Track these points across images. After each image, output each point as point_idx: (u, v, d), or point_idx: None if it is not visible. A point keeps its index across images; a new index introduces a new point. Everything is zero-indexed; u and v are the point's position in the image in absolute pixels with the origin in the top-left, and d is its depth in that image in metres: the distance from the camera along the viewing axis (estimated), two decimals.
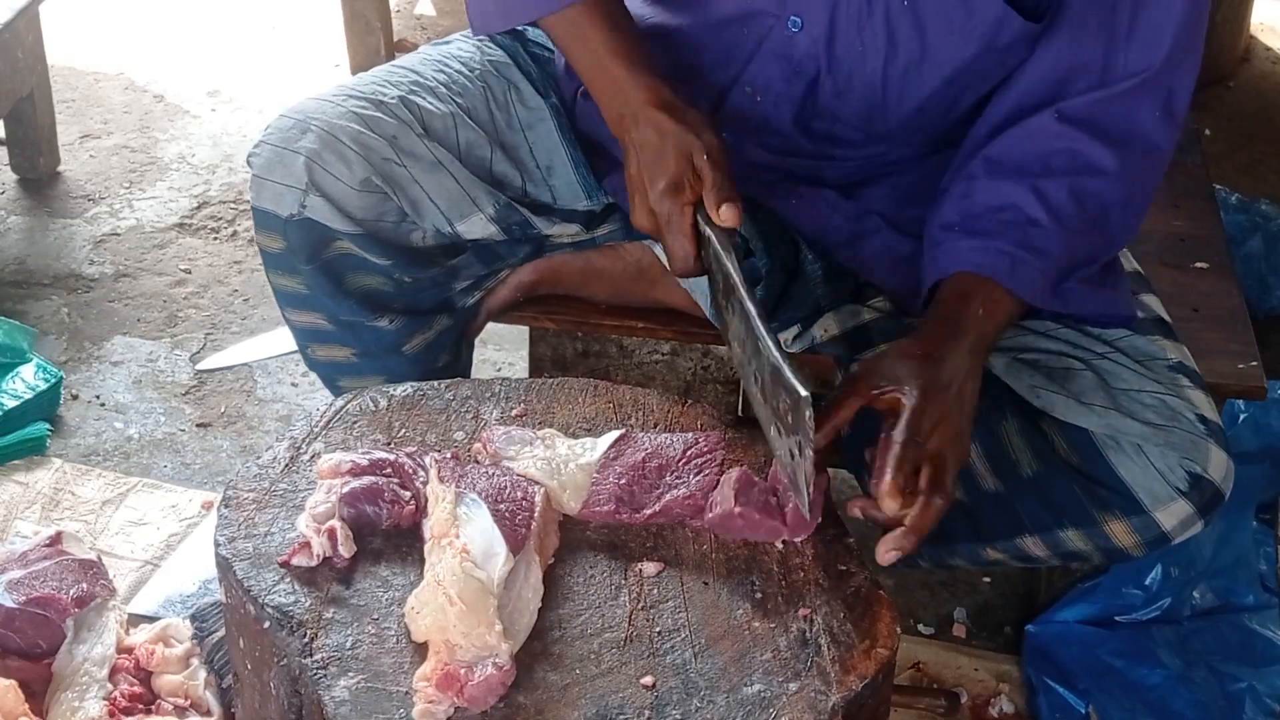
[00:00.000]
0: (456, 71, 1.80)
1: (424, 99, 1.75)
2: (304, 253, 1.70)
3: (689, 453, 1.43)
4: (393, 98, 1.73)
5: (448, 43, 1.88)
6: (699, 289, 1.78)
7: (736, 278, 1.43)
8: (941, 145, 1.73)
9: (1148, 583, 2.06)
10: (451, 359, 1.88)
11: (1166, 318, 1.71)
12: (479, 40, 1.85)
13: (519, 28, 1.85)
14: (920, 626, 2.16)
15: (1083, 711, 1.96)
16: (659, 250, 1.81)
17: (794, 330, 1.77)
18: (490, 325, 1.94)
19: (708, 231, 1.49)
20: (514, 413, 1.50)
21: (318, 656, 1.23)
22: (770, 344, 1.36)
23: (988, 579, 2.23)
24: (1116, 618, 2.06)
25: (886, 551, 1.37)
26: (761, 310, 1.40)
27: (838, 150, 1.73)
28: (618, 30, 1.61)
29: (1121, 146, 1.57)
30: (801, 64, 1.64)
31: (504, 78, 1.81)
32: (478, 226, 1.75)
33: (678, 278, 1.62)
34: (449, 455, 1.40)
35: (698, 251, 1.51)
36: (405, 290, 1.77)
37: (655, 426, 1.48)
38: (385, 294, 1.76)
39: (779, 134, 1.72)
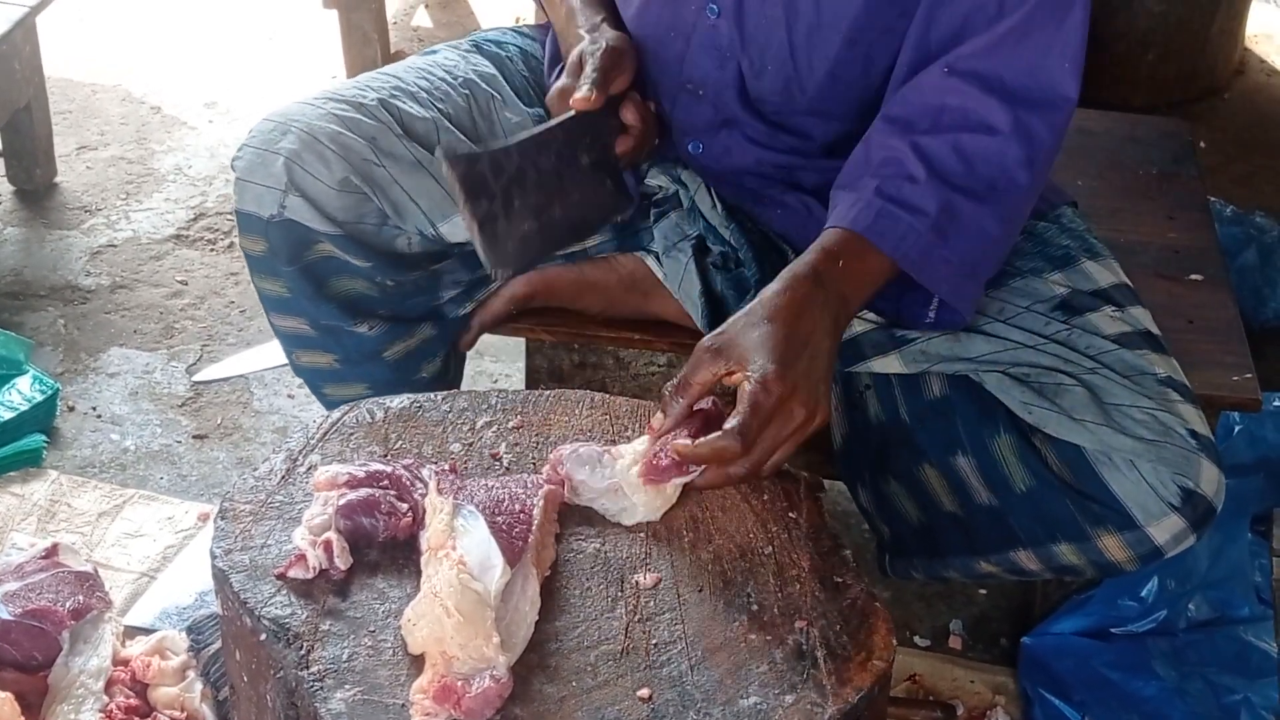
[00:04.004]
0: (440, 79, 1.83)
1: (404, 103, 1.77)
2: (285, 254, 1.71)
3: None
4: (372, 100, 1.76)
5: (434, 52, 1.91)
6: (690, 299, 1.78)
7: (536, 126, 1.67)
8: None
9: (1143, 594, 2.06)
10: (439, 369, 1.88)
11: (1155, 331, 1.71)
12: (465, 51, 1.88)
13: (510, 40, 1.93)
14: (916, 638, 2.16)
15: None
16: (651, 262, 1.82)
17: None
18: (486, 337, 1.94)
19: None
20: (511, 424, 1.50)
21: (314, 669, 1.23)
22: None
23: (983, 591, 2.23)
24: (1112, 629, 2.06)
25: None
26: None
27: (793, 139, 1.74)
28: None
29: (1018, 102, 1.54)
30: (727, 50, 1.69)
31: (489, 88, 1.84)
32: (461, 228, 1.76)
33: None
34: (446, 467, 1.40)
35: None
36: (390, 295, 1.77)
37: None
38: (370, 299, 1.77)
39: (735, 123, 1.74)
